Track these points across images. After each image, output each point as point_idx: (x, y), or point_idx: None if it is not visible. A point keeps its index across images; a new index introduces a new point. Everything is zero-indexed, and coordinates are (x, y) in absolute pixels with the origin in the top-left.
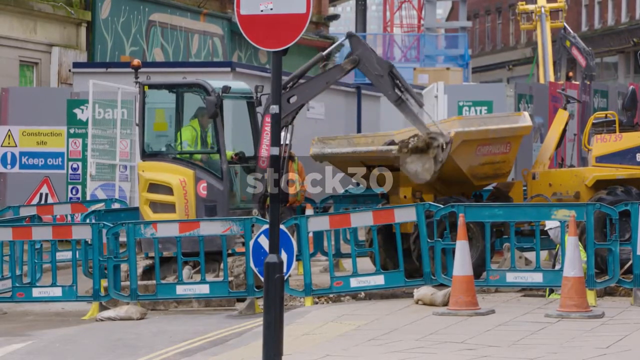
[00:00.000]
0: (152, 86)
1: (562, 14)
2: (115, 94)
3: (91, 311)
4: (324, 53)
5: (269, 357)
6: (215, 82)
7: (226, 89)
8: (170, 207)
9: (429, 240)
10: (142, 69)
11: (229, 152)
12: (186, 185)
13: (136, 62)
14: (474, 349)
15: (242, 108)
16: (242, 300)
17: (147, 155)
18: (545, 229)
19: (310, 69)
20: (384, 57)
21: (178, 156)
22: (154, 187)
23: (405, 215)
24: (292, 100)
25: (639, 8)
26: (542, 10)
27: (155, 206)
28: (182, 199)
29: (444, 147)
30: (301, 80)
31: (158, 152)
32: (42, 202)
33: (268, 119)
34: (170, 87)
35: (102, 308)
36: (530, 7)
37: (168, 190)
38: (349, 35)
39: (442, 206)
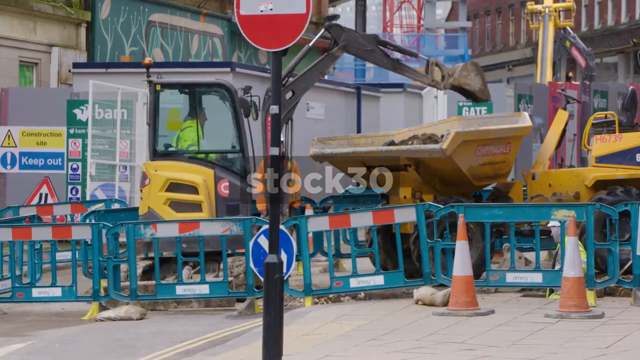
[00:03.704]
0: (164, 85)
1: (571, 13)
2: (115, 94)
3: (91, 311)
4: (310, 44)
5: (268, 357)
6: None
7: (248, 89)
8: (196, 207)
9: (428, 241)
10: (142, 69)
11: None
12: (208, 185)
13: (147, 60)
14: (474, 349)
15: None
16: (242, 300)
17: (160, 154)
18: (548, 226)
19: (299, 63)
20: None
21: (195, 155)
22: (175, 186)
23: (405, 215)
24: (288, 95)
25: (638, 8)
26: (547, 10)
27: (179, 206)
28: (208, 197)
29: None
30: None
31: (172, 152)
32: (42, 202)
33: None
34: (185, 86)
35: (102, 308)
36: (539, 7)
37: (192, 189)
38: (328, 27)
39: (442, 206)
